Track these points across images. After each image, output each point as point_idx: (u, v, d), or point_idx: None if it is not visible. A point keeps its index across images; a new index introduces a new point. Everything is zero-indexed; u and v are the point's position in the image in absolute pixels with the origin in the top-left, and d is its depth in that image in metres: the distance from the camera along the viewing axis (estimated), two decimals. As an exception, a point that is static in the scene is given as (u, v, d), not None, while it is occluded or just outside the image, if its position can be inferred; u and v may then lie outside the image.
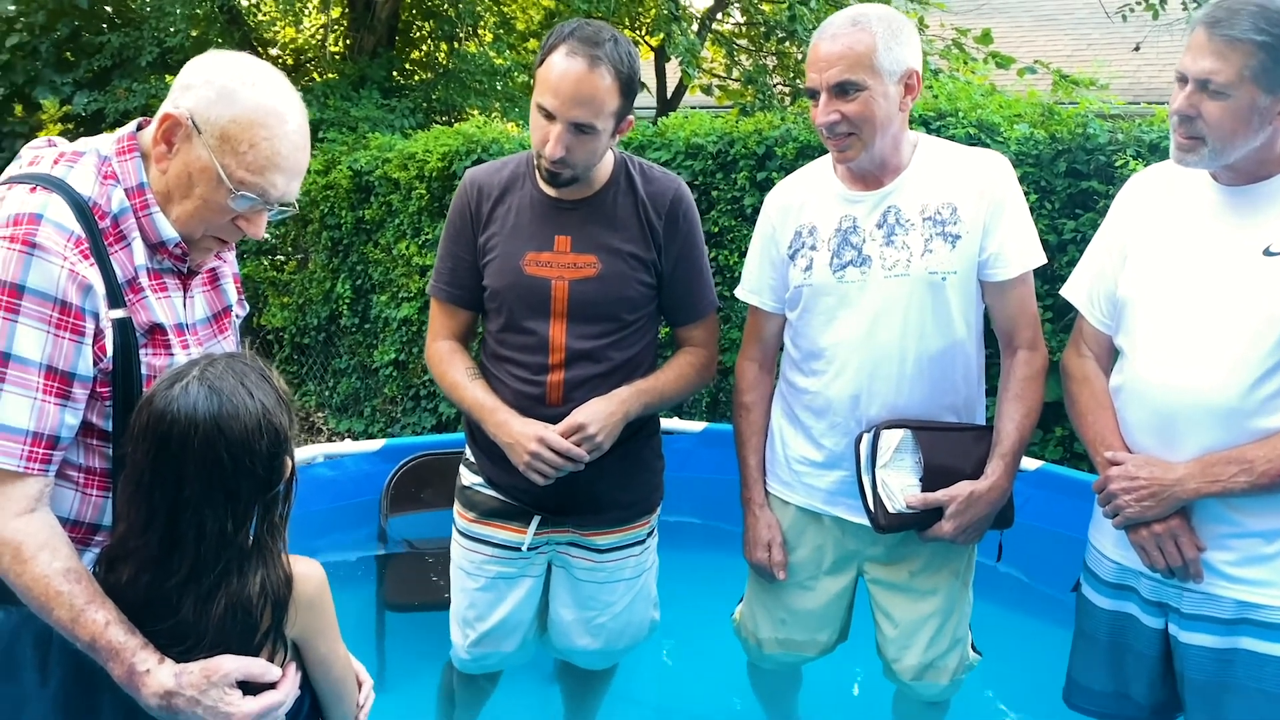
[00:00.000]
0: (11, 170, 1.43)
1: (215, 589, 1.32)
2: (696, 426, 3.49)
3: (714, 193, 4.11)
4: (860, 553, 2.12)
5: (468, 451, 2.17)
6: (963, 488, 1.94)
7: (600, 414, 1.93)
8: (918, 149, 1.99)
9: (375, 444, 3.22)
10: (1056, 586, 2.58)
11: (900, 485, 1.94)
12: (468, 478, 2.16)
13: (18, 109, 7.63)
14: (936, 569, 2.08)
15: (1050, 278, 3.22)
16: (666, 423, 3.56)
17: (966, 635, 2.16)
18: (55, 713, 1.43)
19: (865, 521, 1.99)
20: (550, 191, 2.00)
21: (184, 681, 1.29)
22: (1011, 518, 2.06)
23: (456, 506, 2.18)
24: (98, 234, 1.39)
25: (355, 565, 3.17)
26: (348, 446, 3.20)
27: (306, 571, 1.41)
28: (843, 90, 1.85)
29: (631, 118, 1.98)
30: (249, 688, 1.35)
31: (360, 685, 1.58)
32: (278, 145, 1.43)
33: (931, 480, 1.95)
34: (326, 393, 5.95)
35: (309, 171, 5.61)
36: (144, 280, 1.45)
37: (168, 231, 1.46)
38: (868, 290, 1.95)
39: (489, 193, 2.05)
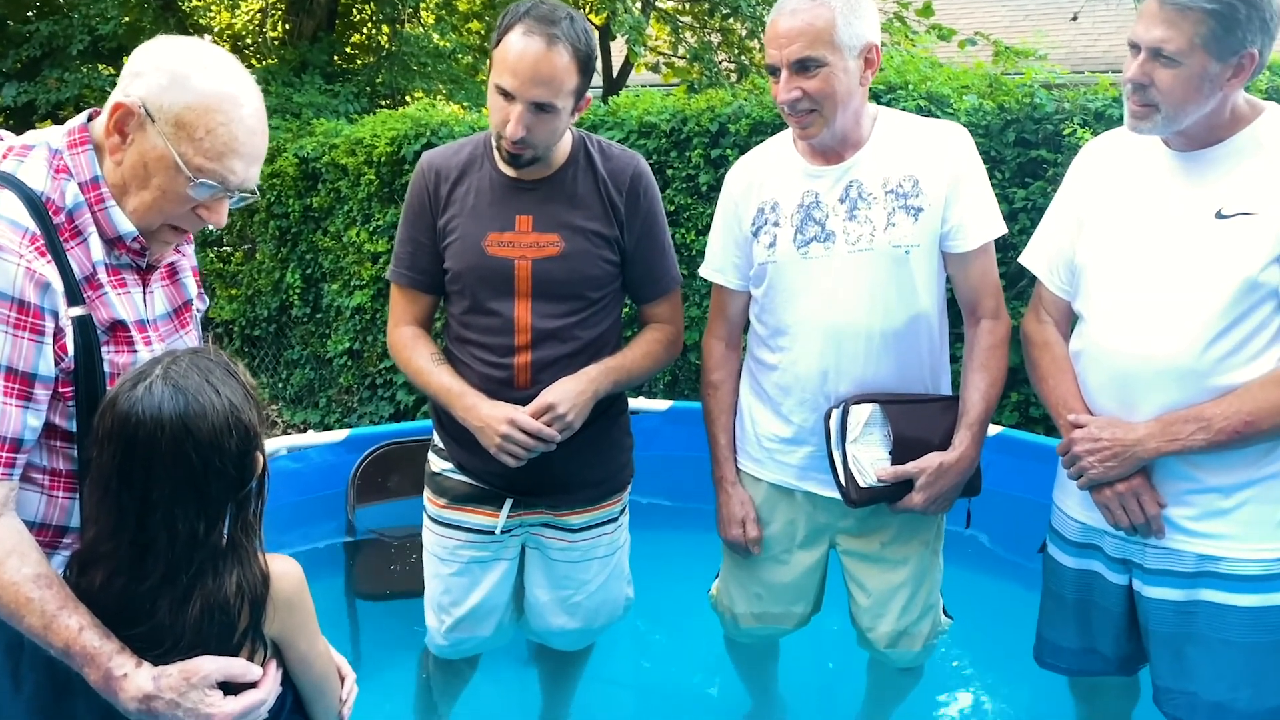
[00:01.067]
0: None
1: (190, 591, 1.30)
2: (662, 405, 3.50)
3: (669, 171, 4.11)
4: (832, 526, 2.15)
5: (435, 438, 2.16)
6: (932, 459, 1.97)
7: (570, 393, 1.93)
8: (877, 122, 2.01)
9: (339, 434, 3.19)
10: (1020, 550, 2.64)
11: (870, 459, 1.97)
12: (437, 464, 2.15)
13: (-57, 103, 7.37)
14: (907, 539, 2.11)
15: (1002, 245, 3.27)
16: (633, 402, 3.57)
17: (938, 601, 2.21)
18: (30, 719, 1.40)
19: (836, 496, 2.01)
20: (510, 172, 1.99)
21: (163, 684, 1.27)
22: (979, 486, 2.10)
23: (427, 493, 2.17)
24: (53, 230, 1.35)
25: (324, 556, 3.15)
26: (311, 438, 3.17)
27: (284, 569, 1.40)
28: (803, 67, 1.86)
29: (590, 95, 1.96)
30: (229, 688, 1.33)
31: (343, 679, 1.57)
32: (235, 130, 1.40)
33: (901, 452, 1.98)
34: (280, 385, 5.86)
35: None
36: (103, 276, 1.41)
37: (125, 226, 1.42)
38: (832, 265, 1.97)
39: (447, 175, 2.03)
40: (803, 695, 2.56)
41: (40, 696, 1.40)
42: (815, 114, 1.89)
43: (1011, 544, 2.95)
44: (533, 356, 1.98)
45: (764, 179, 2.06)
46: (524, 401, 1.94)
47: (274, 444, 3.08)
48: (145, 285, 1.51)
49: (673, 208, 4.08)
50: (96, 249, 1.40)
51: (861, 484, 1.97)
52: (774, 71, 1.92)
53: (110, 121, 1.39)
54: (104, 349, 1.40)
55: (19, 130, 1.50)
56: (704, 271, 2.20)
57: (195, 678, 1.28)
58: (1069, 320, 1.98)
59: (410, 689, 2.38)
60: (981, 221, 1.96)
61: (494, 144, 1.97)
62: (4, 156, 1.38)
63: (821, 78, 1.86)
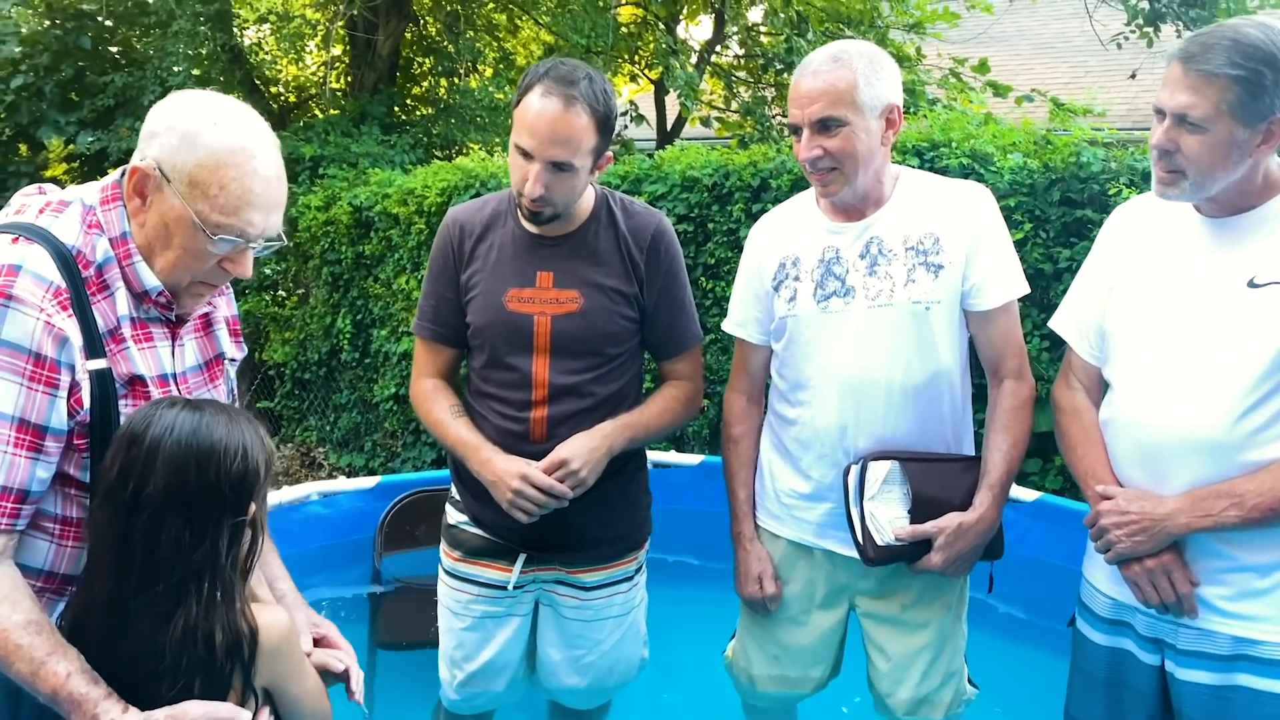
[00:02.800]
0: None
1: (173, 607, 1.31)
2: (693, 459, 3.47)
3: (710, 224, 4.12)
4: (851, 586, 2.10)
5: (453, 489, 2.16)
6: (951, 519, 1.92)
7: (583, 449, 1.92)
8: (899, 181, 2.00)
9: (369, 481, 3.21)
10: (1056, 619, 2.55)
11: (889, 517, 1.93)
12: (453, 516, 2.15)
13: (23, 149, 7.70)
14: (928, 602, 2.06)
15: (1046, 306, 3.21)
16: (663, 456, 3.55)
17: (961, 669, 2.14)
18: None
19: (855, 555, 1.97)
20: (532, 228, 2.00)
21: None
22: (1001, 549, 2.04)
23: (443, 545, 2.17)
24: (80, 283, 1.38)
25: (349, 603, 3.15)
26: (342, 484, 3.19)
27: (269, 620, 1.41)
28: (824, 126, 1.86)
29: (611, 153, 1.98)
30: None
31: (348, 677, 1.60)
32: (248, 183, 1.41)
33: (920, 511, 1.93)
34: (327, 428, 5.95)
35: (309, 209, 5.67)
36: (126, 330, 1.44)
37: (150, 281, 1.45)
38: (851, 320, 1.95)
39: (471, 230, 2.06)
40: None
41: None
42: (836, 172, 1.89)
43: (1048, 614, 2.85)
44: (549, 411, 1.98)
45: (786, 235, 2.06)
46: (539, 455, 1.94)
47: (305, 489, 3.11)
48: (175, 338, 1.53)
49: (713, 260, 4.09)
50: (123, 304, 1.43)
51: (879, 542, 1.92)
52: (796, 131, 1.93)
53: (129, 185, 1.43)
54: (121, 402, 1.43)
55: (91, 175, 1.54)
56: (726, 326, 2.19)
57: None
58: (1100, 387, 1.93)
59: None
60: (1003, 280, 1.93)
61: (515, 201, 2.00)
62: (40, 211, 1.42)
63: (843, 137, 1.85)
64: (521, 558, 2.05)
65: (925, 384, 1.95)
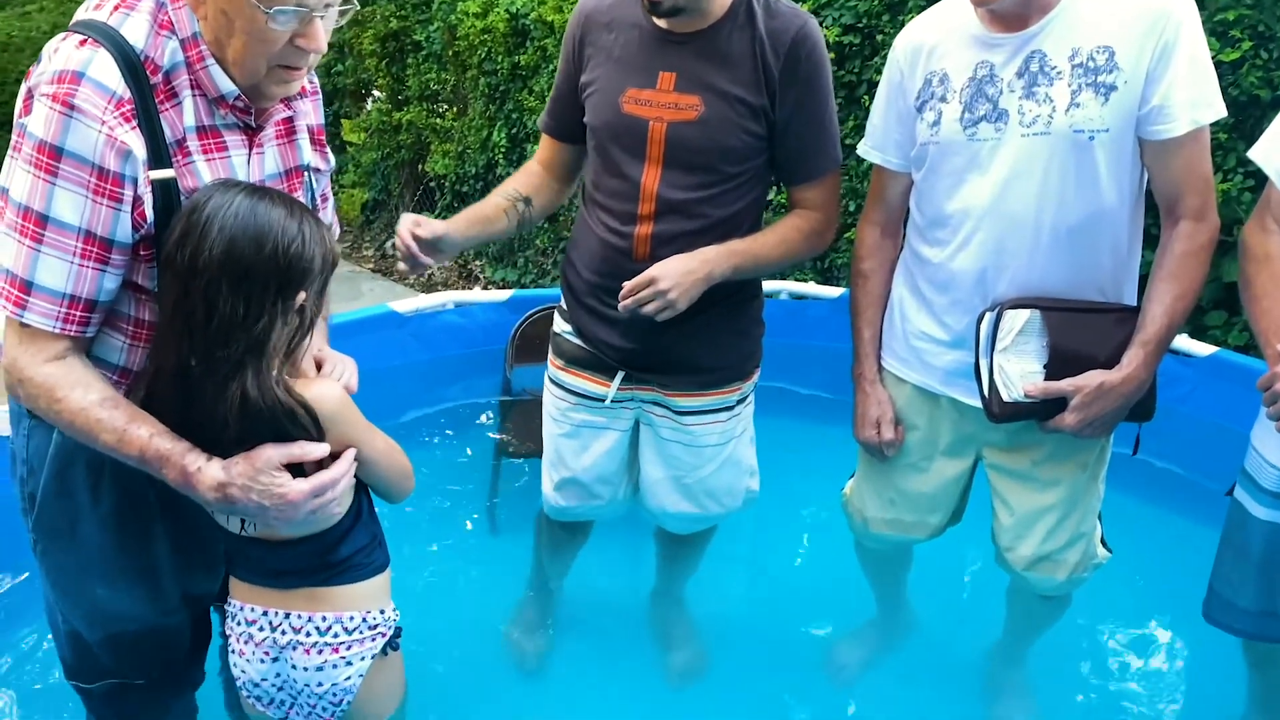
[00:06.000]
0: (79, 13, 1.39)
1: (229, 376, 1.34)
2: (832, 292, 3.31)
3: (879, 36, 3.76)
4: (979, 437, 1.96)
5: (562, 299, 2.13)
6: (1092, 377, 1.73)
7: (675, 271, 1.79)
8: None
9: (504, 294, 3.23)
10: (1216, 484, 2.35)
11: (1019, 371, 1.76)
12: (559, 324, 2.13)
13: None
14: (1062, 459, 1.90)
15: (1256, 140, 2.80)
16: (801, 287, 3.42)
17: (1093, 530, 1.99)
18: (104, 532, 1.50)
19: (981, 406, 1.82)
20: (661, 24, 1.84)
21: (234, 472, 1.33)
22: (1151, 410, 1.83)
23: (550, 352, 2.15)
24: (147, 91, 1.33)
25: (480, 409, 3.25)
26: (477, 295, 3.23)
27: (320, 393, 1.43)
28: None
29: None
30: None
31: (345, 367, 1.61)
32: None
33: (1058, 367, 1.75)
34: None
35: (467, 15, 5.55)
36: (193, 143, 1.39)
37: (226, 85, 1.39)
38: (1001, 149, 1.72)
39: (597, 20, 1.92)
40: (933, 611, 2.41)
41: (120, 513, 1.49)
42: (998, -30, 1.62)
43: (1209, 477, 2.63)
44: (655, 228, 1.87)
45: (933, 46, 1.82)
46: (637, 274, 1.83)
47: (441, 297, 3.16)
48: (253, 146, 1.48)
49: (880, 79, 3.76)
50: (189, 113, 1.38)
51: (1005, 397, 1.77)
52: None
53: None
54: None
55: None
56: (862, 149, 2.00)
57: (259, 461, 1.34)
58: None
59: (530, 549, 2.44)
60: (1192, 102, 1.63)
61: None
62: (115, 9, 1.36)
63: None
64: (620, 374, 2.01)
65: (1082, 224, 1.72)
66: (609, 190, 1.91)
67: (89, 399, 1.32)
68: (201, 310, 1.32)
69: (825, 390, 3.18)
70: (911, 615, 2.39)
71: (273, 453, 1.36)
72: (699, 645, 2.35)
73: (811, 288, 3.36)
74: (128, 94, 1.31)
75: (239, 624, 1.57)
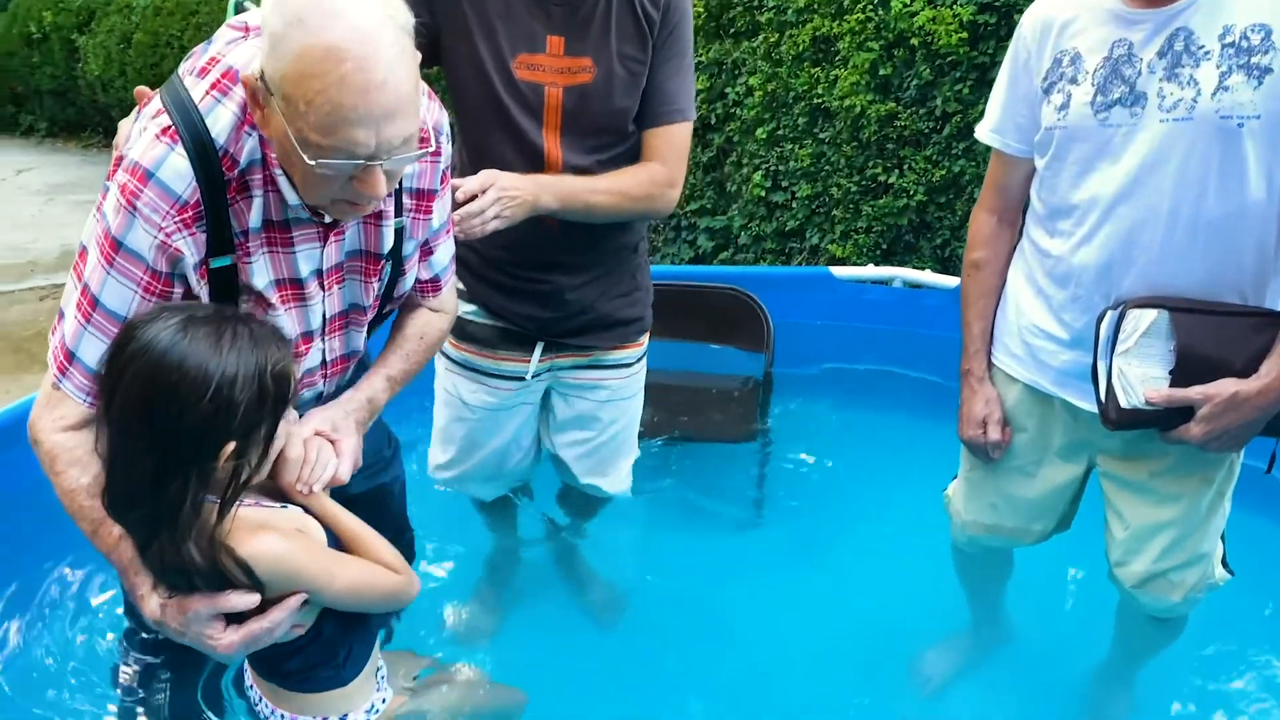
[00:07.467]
0: (187, 64, 1.34)
1: (152, 535, 1.28)
2: (950, 282, 3.17)
3: (1016, 16, 3.57)
4: (1094, 443, 1.84)
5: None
6: (1225, 386, 1.60)
7: (508, 180, 1.73)
8: None
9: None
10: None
11: (1141, 376, 1.63)
12: (461, 307, 2.03)
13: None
14: (1185, 473, 1.76)
15: None
16: (918, 275, 3.29)
17: (1214, 550, 1.85)
18: None
19: (1096, 411, 1.70)
20: None
21: (167, 614, 1.33)
22: (1291, 424, 1.68)
23: (450, 337, 2.07)
24: (220, 188, 1.28)
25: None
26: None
27: (256, 551, 1.30)
28: None
29: None
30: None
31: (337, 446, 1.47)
32: (334, 95, 1.14)
33: (1186, 373, 1.62)
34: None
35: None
36: (255, 240, 1.35)
37: (292, 197, 1.33)
38: (1137, 136, 1.60)
39: None
40: (1032, 624, 2.28)
41: None
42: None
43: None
44: None
45: (1066, 23, 1.69)
46: (554, 245, 1.90)
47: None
48: (328, 239, 1.42)
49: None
50: (258, 209, 1.33)
51: (1124, 404, 1.64)
52: None
53: (247, 92, 1.26)
54: (243, 299, 1.39)
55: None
56: (980, 132, 1.88)
57: (189, 612, 1.31)
58: None
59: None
60: None
61: None
62: (213, 86, 1.29)
63: None
64: (540, 346, 2.02)
65: (1223, 220, 1.58)
66: (506, 163, 1.81)
67: (81, 482, 1.33)
68: (122, 461, 1.27)
69: (939, 376, 3.06)
70: (1009, 627, 2.26)
71: (201, 606, 1.31)
72: (606, 580, 2.46)
73: (928, 276, 3.24)
74: (194, 197, 1.27)
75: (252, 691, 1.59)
